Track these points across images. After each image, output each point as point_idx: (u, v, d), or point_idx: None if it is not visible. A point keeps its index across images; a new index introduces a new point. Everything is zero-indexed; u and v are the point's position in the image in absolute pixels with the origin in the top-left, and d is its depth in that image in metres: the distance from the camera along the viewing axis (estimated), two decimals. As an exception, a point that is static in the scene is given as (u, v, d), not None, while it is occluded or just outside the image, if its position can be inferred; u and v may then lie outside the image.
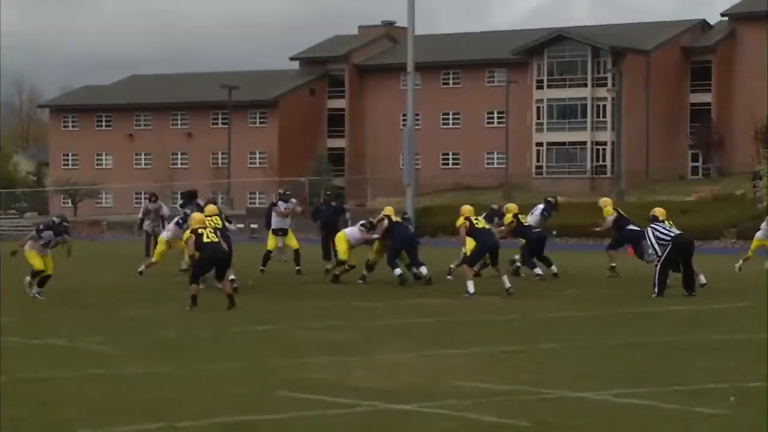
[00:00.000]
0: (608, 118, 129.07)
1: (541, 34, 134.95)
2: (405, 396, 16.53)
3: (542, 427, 14.06)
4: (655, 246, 38.57)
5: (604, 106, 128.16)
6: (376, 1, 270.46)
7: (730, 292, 39.95)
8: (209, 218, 33.46)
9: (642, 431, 14.18)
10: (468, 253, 40.10)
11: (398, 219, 43.64)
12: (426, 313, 31.60)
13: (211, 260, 31.17)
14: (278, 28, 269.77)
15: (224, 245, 32.05)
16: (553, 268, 43.42)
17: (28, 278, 33.46)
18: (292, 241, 46.97)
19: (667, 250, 37.02)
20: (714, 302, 36.62)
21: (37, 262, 33.28)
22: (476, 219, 39.18)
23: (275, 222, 48.21)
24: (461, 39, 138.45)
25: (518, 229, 45.32)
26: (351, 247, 43.56)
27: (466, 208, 40.52)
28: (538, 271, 42.28)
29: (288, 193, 55.27)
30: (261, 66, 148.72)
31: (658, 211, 42.02)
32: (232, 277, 32.99)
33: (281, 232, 47.22)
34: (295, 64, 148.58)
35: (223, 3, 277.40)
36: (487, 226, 40.29)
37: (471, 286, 37.00)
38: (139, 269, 44.07)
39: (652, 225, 39.06)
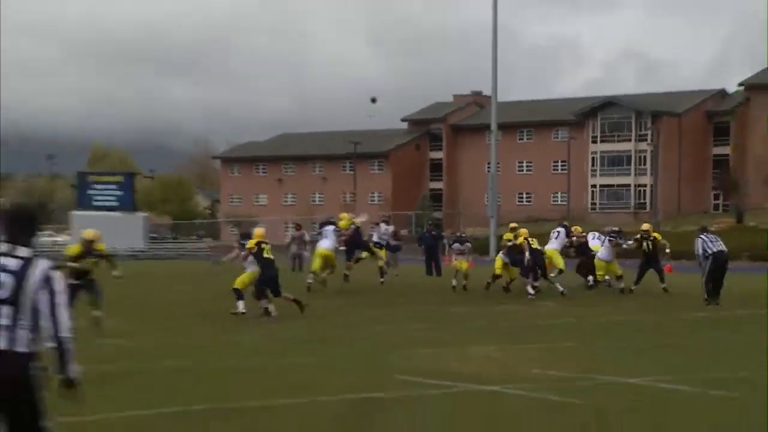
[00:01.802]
0: (648, 166, 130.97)
1: (594, 101, 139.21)
2: (490, 380, 18.72)
3: (599, 407, 16.25)
4: (700, 255, 38.61)
5: (645, 157, 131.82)
6: (467, 74, 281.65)
7: (750, 300, 39.96)
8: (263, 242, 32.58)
9: (681, 410, 15.53)
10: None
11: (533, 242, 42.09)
12: (505, 317, 33.30)
13: (270, 278, 31.83)
14: (392, 96, 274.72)
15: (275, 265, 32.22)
16: (590, 279, 43.61)
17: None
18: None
19: (708, 264, 37.45)
20: (737, 308, 36.80)
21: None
22: (532, 240, 41.38)
23: (376, 238, 50.47)
24: (532, 104, 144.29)
25: (582, 247, 46.88)
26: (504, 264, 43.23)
27: (523, 231, 42.71)
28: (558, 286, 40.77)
29: (387, 216, 62.53)
30: (378, 126, 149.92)
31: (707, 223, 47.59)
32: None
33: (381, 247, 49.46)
34: (404, 124, 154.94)
35: (349, 78, 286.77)
36: (539, 247, 41.88)
37: (530, 290, 40.12)
38: (308, 281, 44.05)
39: (701, 236, 39.29)
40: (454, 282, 41.37)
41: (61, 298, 7.34)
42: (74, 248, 27.20)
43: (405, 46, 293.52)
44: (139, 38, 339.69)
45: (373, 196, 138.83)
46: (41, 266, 7.34)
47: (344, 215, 47.92)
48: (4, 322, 7.35)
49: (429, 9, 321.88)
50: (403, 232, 53.63)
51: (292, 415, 15.50)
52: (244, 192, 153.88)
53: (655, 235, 42.40)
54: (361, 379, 18.82)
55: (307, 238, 66.22)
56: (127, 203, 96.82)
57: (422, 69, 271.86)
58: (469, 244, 43.59)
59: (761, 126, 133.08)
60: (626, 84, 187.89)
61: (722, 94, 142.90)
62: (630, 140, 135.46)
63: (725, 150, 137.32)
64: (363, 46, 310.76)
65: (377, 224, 53.25)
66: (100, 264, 27.32)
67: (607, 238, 44.38)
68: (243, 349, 23.86)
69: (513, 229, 44.06)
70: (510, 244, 42.69)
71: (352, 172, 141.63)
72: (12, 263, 7.40)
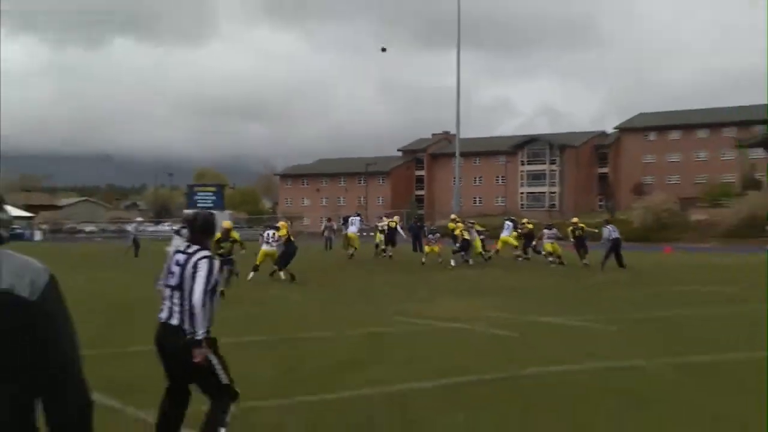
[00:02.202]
0: (557, 180, 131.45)
1: (523, 138, 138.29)
2: (455, 320, 18.38)
3: (526, 336, 16.07)
4: (606, 237, 39.03)
5: (555, 174, 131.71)
6: (440, 120, 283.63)
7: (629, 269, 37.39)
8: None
9: (574, 337, 14.81)
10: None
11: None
12: (464, 281, 31.90)
13: (291, 253, 30.07)
14: (393, 134, 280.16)
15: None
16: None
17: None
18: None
19: (609, 245, 38.14)
20: (619, 274, 34.98)
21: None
22: (465, 230, 41.50)
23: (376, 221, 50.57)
24: (483, 140, 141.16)
25: (528, 235, 45.76)
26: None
27: (460, 225, 42.48)
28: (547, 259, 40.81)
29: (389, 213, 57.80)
30: (383, 153, 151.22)
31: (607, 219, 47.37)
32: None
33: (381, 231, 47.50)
34: (399, 153, 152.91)
35: (364, 121, 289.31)
36: (467, 237, 41.48)
37: (452, 262, 39.89)
38: (349, 253, 44.93)
39: (608, 226, 39.97)
40: (423, 259, 39.84)
41: (200, 277, 7.09)
42: (216, 235, 25.01)
43: (402, 101, 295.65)
44: (225, 95, 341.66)
45: (379, 200, 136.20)
46: (196, 257, 7.17)
47: (396, 218, 47.60)
48: (176, 303, 7.21)
49: (419, 75, 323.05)
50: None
51: (325, 343, 15.41)
52: (294, 197, 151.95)
53: (582, 225, 41.57)
54: (373, 320, 18.65)
55: (335, 227, 64.55)
56: (219, 204, 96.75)
57: (411, 116, 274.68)
58: (438, 234, 42.13)
59: (628, 154, 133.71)
60: (543, 127, 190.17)
61: (603, 134, 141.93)
62: (545, 163, 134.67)
63: (605, 170, 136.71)
64: (374, 101, 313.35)
65: (381, 218, 53.31)
66: (234, 245, 25.87)
67: (544, 230, 43.83)
68: (289, 303, 23.28)
69: (453, 220, 43.48)
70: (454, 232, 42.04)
71: (365, 184, 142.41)
72: (181, 258, 7.33)
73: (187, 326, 7.16)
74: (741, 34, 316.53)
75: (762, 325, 17.82)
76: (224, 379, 7.47)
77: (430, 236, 42.33)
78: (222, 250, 24.57)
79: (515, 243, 45.78)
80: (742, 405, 10.32)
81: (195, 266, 7.23)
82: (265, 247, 30.42)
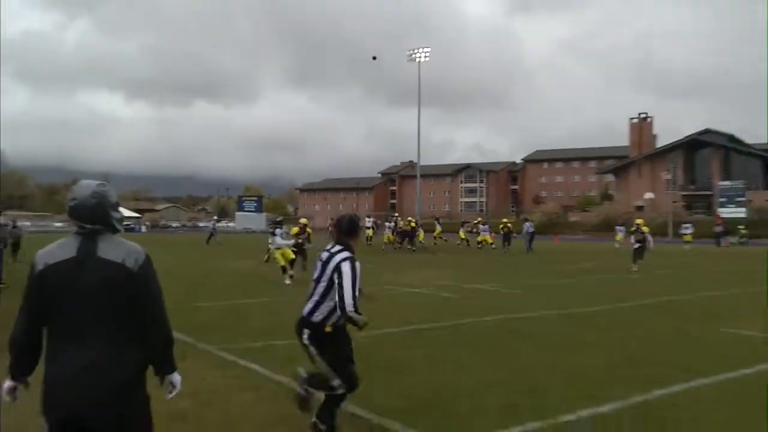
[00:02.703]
0: (484, 194, 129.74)
1: (462, 165, 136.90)
2: (416, 286, 18.03)
3: (463, 297, 15.29)
4: (524, 232, 38.92)
5: (483, 190, 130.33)
6: (408, 152, 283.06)
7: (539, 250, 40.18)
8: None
9: (498, 299, 16.01)
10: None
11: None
12: (423, 261, 32.10)
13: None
14: (375, 161, 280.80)
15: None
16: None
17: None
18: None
19: (527, 237, 37.42)
20: (533, 255, 38.25)
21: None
22: (414, 224, 39.63)
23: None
24: (436, 167, 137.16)
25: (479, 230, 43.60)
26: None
27: (410, 219, 41.46)
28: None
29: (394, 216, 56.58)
30: (367, 175, 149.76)
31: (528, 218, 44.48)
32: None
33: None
34: (379, 175, 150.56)
35: (356, 154, 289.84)
36: (418, 229, 40.05)
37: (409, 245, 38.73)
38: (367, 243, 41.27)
39: (526, 224, 40.13)
40: (383, 247, 38.76)
41: (345, 281, 5.35)
42: (295, 229, 22.89)
43: (381, 140, 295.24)
44: (264, 136, 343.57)
45: (365, 206, 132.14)
46: (337, 257, 5.51)
47: (411, 218, 43.53)
48: (315, 294, 5.57)
49: (393, 123, 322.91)
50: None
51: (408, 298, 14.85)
52: (309, 204, 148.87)
53: (510, 224, 39.74)
54: (367, 286, 18.02)
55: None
56: (259, 209, 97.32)
57: (387, 150, 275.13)
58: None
59: (530, 177, 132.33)
60: (475, 158, 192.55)
61: (515, 163, 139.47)
62: (476, 182, 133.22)
63: (516, 187, 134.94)
64: (363, 140, 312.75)
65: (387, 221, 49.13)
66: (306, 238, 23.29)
67: (480, 225, 44.07)
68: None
69: (409, 221, 41.07)
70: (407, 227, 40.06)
71: (356, 196, 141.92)
72: (324, 255, 5.68)
73: (317, 318, 5.58)
74: (601, 99, 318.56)
75: (611, 287, 18.66)
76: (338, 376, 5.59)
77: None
78: (300, 241, 22.41)
79: (463, 236, 45.72)
80: (600, 337, 10.81)
81: (338, 268, 5.53)
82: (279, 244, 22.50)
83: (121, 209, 3.65)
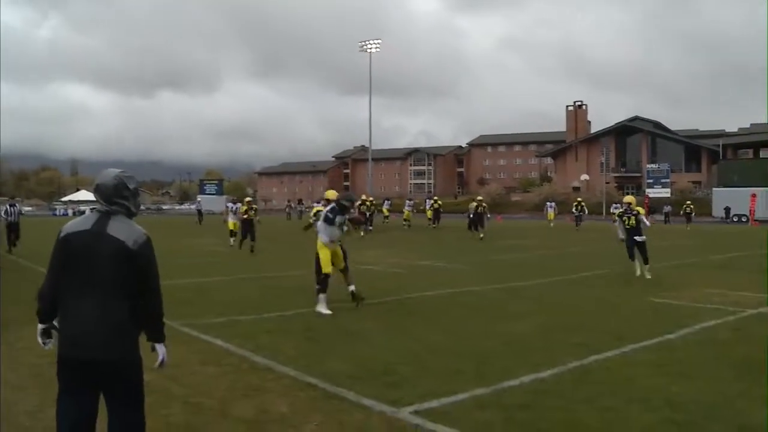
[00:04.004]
0: (432, 176, 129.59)
1: (410, 150, 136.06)
2: (375, 264, 18.63)
3: (411, 273, 15.12)
4: (471, 212, 34.05)
5: (431, 172, 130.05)
6: (360, 136, 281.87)
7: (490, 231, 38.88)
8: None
9: (443, 274, 16.68)
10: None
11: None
12: (379, 240, 31.99)
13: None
14: (329, 146, 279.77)
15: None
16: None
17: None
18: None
19: (474, 216, 32.48)
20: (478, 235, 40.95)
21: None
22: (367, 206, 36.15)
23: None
24: (386, 150, 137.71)
25: (438, 212, 41.87)
26: None
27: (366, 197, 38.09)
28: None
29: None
30: (322, 159, 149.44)
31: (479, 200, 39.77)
32: None
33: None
34: (333, 159, 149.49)
35: (311, 140, 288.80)
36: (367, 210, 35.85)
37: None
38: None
39: (474, 203, 34.44)
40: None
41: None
42: (243, 207, 23.54)
43: (335, 126, 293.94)
44: (225, 124, 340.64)
45: (320, 189, 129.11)
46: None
47: (365, 196, 39.09)
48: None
49: (346, 110, 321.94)
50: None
51: (288, 279, 14.64)
52: (267, 187, 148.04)
53: (484, 205, 32.62)
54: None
55: (293, 206, 64.20)
56: (219, 192, 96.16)
57: (341, 135, 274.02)
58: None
59: (475, 160, 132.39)
60: (423, 142, 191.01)
61: (460, 147, 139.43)
62: (425, 165, 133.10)
63: (462, 169, 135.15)
64: (318, 126, 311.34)
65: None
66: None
67: (431, 203, 43.10)
68: (266, 252, 22.27)
69: (363, 201, 37.28)
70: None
71: (312, 178, 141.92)
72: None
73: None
74: (538, 89, 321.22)
75: (548, 262, 18.94)
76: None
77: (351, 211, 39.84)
78: (246, 217, 23.07)
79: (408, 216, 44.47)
80: (539, 308, 10.91)
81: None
82: (231, 219, 25.63)
83: (140, 197, 4.09)
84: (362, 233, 30.14)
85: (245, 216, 23.30)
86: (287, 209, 66.64)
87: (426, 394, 5.97)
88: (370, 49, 71.84)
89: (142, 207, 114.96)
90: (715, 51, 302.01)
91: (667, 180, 77.17)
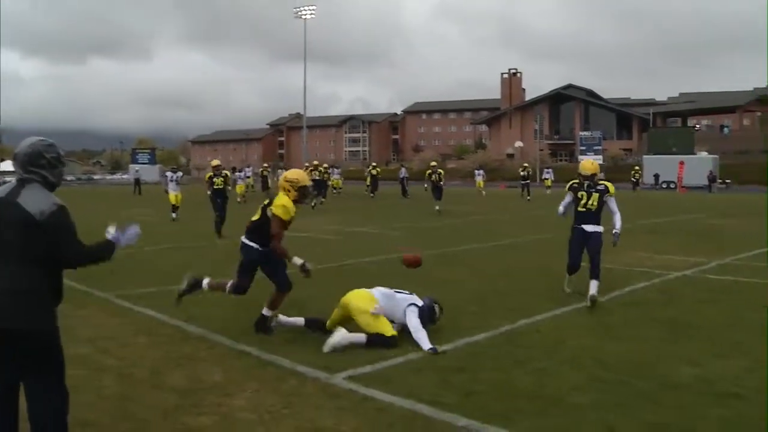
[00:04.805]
0: (368, 143, 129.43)
1: (346, 117, 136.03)
2: (307, 231, 18.71)
3: (347, 240, 16.06)
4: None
5: (366, 139, 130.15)
6: (295, 104, 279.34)
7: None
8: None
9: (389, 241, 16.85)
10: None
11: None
12: (332, 207, 36.47)
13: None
14: (265, 113, 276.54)
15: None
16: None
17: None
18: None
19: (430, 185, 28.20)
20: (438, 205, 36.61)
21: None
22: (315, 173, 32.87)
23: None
24: (320, 118, 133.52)
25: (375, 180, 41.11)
26: None
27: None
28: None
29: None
30: (256, 126, 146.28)
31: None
32: None
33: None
34: (267, 126, 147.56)
35: (247, 108, 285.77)
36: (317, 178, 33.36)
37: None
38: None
39: (429, 171, 32.86)
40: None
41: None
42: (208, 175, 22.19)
43: (270, 93, 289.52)
44: (160, 92, 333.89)
45: (255, 157, 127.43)
46: None
47: (317, 162, 36.01)
48: None
49: (281, 77, 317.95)
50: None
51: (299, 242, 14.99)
52: (200, 155, 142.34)
53: (440, 171, 29.14)
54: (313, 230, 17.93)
55: (231, 174, 63.54)
56: (152, 161, 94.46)
57: (275, 103, 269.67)
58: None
59: (410, 127, 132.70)
60: (358, 109, 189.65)
61: (395, 114, 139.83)
62: (359, 132, 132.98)
63: (397, 137, 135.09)
64: (253, 94, 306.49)
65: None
66: None
67: (369, 170, 42.46)
68: (203, 219, 22.18)
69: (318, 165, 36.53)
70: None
71: (246, 146, 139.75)
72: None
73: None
74: (473, 58, 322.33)
75: (480, 228, 19.04)
76: None
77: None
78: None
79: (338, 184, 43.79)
80: (470, 273, 11.11)
81: None
82: (171, 191, 23.18)
83: (65, 167, 3.93)
84: (313, 205, 28.14)
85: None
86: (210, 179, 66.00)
87: (360, 360, 6.01)
88: (305, 15, 71.21)
89: (71, 177, 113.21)
90: (646, 23, 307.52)
91: (600, 147, 78.59)
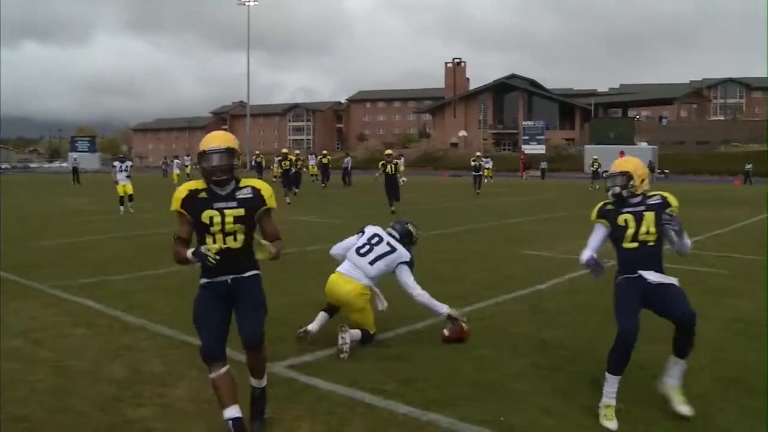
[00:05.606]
0: (312, 132, 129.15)
1: (290, 105, 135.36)
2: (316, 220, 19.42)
3: (292, 229, 17.96)
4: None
5: (311, 128, 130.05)
6: (238, 92, 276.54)
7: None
8: None
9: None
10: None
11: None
12: (307, 197, 32.79)
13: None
14: (208, 102, 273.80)
15: None
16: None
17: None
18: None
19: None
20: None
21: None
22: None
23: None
24: (265, 107, 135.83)
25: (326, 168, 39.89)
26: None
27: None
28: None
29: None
30: (199, 115, 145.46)
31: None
32: None
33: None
34: (210, 114, 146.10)
35: (189, 97, 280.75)
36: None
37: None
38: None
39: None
40: None
41: None
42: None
43: (213, 81, 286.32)
44: (99, 78, 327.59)
45: (197, 147, 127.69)
46: None
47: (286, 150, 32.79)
48: None
49: (224, 66, 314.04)
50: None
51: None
52: (142, 143, 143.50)
53: (397, 161, 24.52)
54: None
55: (169, 162, 62.07)
56: (92, 149, 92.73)
57: (219, 91, 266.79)
58: None
59: (354, 116, 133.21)
60: (302, 98, 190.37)
61: (339, 103, 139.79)
62: (303, 121, 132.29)
63: (341, 125, 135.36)
64: (195, 81, 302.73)
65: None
66: None
67: (318, 159, 41.87)
68: (143, 211, 21.48)
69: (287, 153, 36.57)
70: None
71: (188, 135, 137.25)
72: None
73: None
74: (417, 48, 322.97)
75: (423, 217, 18.87)
76: None
77: None
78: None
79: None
80: (436, 261, 10.86)
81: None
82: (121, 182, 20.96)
83: None
84: (288, 199, 25.99)
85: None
86: (163, 166, 64.87)
87: (301, 349, 6.02)
88: (249, 2, 70.60)
89: (6, 165, 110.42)
90: (589, 15, 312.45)
91: (543, 137, 79.68)
